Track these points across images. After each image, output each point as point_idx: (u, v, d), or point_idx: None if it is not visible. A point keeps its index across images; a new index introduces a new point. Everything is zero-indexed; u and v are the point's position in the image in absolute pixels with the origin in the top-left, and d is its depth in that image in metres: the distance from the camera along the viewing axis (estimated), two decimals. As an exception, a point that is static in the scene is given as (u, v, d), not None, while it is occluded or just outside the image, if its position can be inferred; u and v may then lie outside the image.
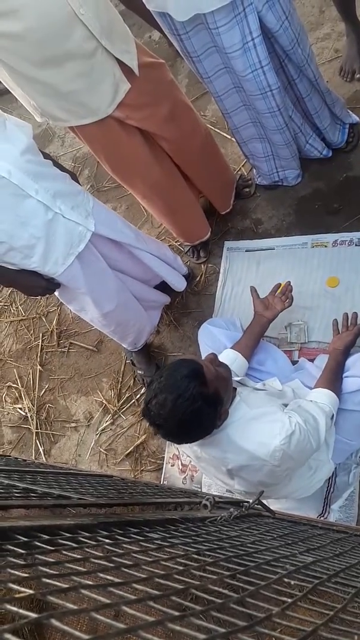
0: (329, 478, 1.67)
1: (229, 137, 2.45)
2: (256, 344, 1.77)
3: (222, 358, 1.55)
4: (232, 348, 1.71)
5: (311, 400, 1.47)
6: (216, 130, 2.50)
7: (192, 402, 1.15)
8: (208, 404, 1.18)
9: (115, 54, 1.47)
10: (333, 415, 1.48)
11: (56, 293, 1.76)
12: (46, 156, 1.62)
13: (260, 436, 1.26)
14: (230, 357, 1.66)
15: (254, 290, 1.84)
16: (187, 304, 2.32)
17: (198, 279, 2.32)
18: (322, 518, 1.67)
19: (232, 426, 1.28)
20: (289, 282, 1.83)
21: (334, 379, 1.56)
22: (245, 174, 2.37)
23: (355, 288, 1.95)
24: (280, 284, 1.84)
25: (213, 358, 1.28)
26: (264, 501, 0.94)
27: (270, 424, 1.28)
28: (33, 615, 0.30)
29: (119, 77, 1.53)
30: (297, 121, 1.93)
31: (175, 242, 2.39)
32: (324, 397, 1.48)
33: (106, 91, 1.53)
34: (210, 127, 2.45)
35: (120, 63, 1.51)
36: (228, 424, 1.29)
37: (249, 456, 1.26)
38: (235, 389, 1.39)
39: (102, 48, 1.44)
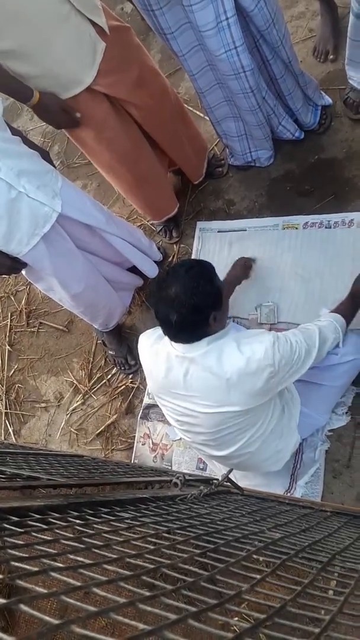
0: (295, 454, 1.72)
1: (202, 115, 2.41)
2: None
3: None
4: None
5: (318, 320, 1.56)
6: (189, 108, 2.45)
7: (204, 285, 1.26)
8: (212, 295, 1.28)
9: (86, 14, 1.46)
10: (339, 331, 1.53)
11: (23, 272, 1.72)
12: (15, 132, 1.57)
13: (255, 340, 1.34)
14: None
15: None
16: (159, 284, 2.31)
17: (170, 259, 2.31)
18: (288, 494, 1.72)
19: (229, 337, 1.35)
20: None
21: (347, 308, 1.63)
22: (218, 153, 2.35)
23: (325, 270, 1.98)
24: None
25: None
26: (233, 478, 0.96)
27: (262, 334, 1.38)
28: (2, 600, 0.29)
29: (94, 37, 1.51)
30: (270, 102, 1.92)
31: (148, 221, 2.36)
32: (329, 316, 1.56)
33: (86, 52, 1.51)
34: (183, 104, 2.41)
35: (92, 24, 1.50)
36: (225, 334, 1.35)
37: (247, 358, 1.30)
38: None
39: (74, 10, 1.43)
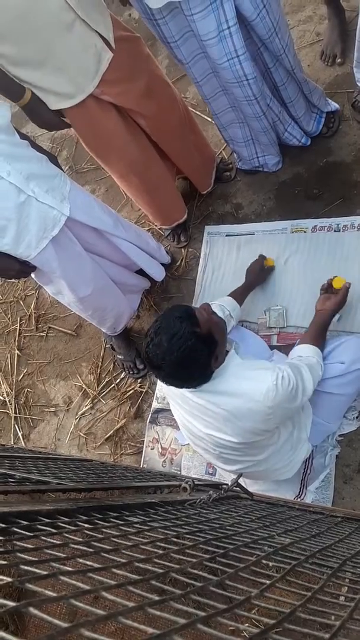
0: (306, 460, 1.71)
1: (209, 119, 2.42)
2: (243, 299, 1.92)
3: (223, 303, 1.78)
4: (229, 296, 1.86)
5: (297, 357, 1.54)
6: (197, 112, 2.46)
7: (185, 340, 1.20)
8: (202, 342, 1.24)
9: (92, 25, 1.46)
10: (321, 366, 1.53)
11: (33, 275, 1.73)
12: (23, 137, 1.58)
13: (255, 378, 1.32)
14: (231, 304, 1.79)
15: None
16: (168, 289, 2.31)
17: (178, 263, 2.31)
18: (298, 499, 1.70)
19: (228, 371, 1.33)
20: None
21: (318, 336, 1.62)
22: (226, 157, 2.36)
23: (334, 273, 1.96)
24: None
25: (206, 307, 1.33)
26: (242, 483, 0.95)
27: (264, 370, 1.35)
28: (11, 604, 0.29)
29: (100, 47, 1.51)
30: (275, 109, 1.91)
31: (155, 226, 2.37)
32: (308, 350, 1.55)
33: (89, 62, 1.51)
34: (191, 109, 2.41)
35: (99, 35, 1.50)
36: (224, 369, 1.33)
37: (245, 398, 1.29)
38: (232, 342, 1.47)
39: (79, 20, 1.42)
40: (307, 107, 1.99)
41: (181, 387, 1.33)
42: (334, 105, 2.09)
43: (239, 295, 1.88)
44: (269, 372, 1.32)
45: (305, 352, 1.55)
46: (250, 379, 1.30)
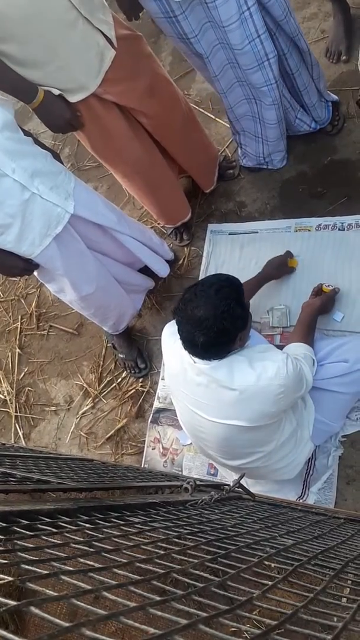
0: (309, 460, 1.70)
1: (213, 117, 2.41)
2: (252, 295, 1.86)
3: None
4: None
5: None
6: (200, 110, 2.46)
7: (231, 298, 1.23)
8: (242, 309, 1.26)
9: (94, 23, 1.46)
10: (314, 361, 1.54)
11: (35, 273, 1.73)
12: (26, 134, 1.58)
13: (267, 358, 1.33)
14: None
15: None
16: (170, 288, 2.30)
17: (181, 262, 2.31)
18: (301, 500, 1.70)
19: (240, 352, 1.33)
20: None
21: (306, 333, 1.63)
22: (230, 155, 2.35)
23: (337, 272, 1.96)
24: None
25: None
26: (244, 484, 0.95)
27: (274, 350, 1.38)
28: (12, 602, 0.29)
29: (103, 45, 1.51)
30: (287, 95, 1.92)
31: (158, 224, 2.37)
32: (298, 349, 1.55)
33: (92, 60, 1.51)
34: (195, 106, 2.41)
35: (102, 33, 1.50)
36: (236, 352, 1.33)
37: (257, 376, 1.28)
38: None
39: (82, 18, 1.43)
40: (318, 94, 2.01)
41: (198, 353, 1.28)
42: (333, 96, 2.11)
43: (251, 287, 1.83)
44: (279, 353, 1.35)
45: (295, 350, 1.55)
46: (261, 359, 1.31)
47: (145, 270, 2.10)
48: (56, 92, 1.54)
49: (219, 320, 1.21)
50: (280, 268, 1.95)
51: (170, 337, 1.44)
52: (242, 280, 1.88)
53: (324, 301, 1.75)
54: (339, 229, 2.02)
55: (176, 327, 1.36)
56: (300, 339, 1.59)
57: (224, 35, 1.61)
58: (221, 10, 1.52)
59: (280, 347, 1.89)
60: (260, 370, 1.28)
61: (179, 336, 1.31)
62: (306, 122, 2.06)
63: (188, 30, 1.60)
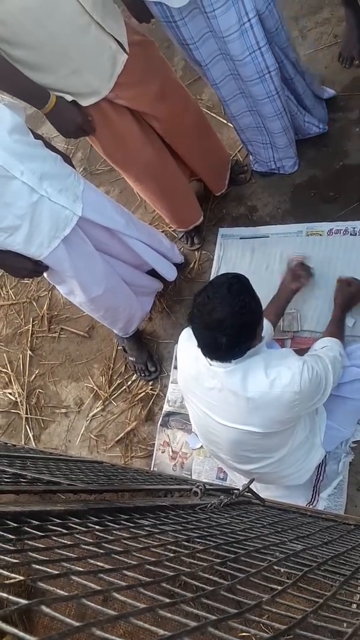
0: (319, 466, 1.69)
1: (224, 121, 2.42)
2: (281, 313, 1.85)
3: None
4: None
5: (320, 348, 1.55)
6: (212, 114, 2.47)
7: (245, 295, 1.22)
8: (256, 304, 1.25)
9: (106, 28, 1.47)
10: (344, 356, 1.55)
11: (45, 275, 1.74)
12: (37, 137, 1.59)
13: (283, 364, 1.31)
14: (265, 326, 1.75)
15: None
16: (180, 291, 2.31)
17: (192, 265, 2.31)
18: (311, 506, 1.69)
19: (257, 358, 1.31)
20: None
21: (337, 331, 1.67)
22: (241, 159, 2.35)
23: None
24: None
25: None
26: (254, 489, 0.95)
27: (291, 357, 1.35)
28: (23, 601, 0.29)
29: (115, 49, 1.52)
30: (293, 101, 1.94)
31: (169, 227, 2.37)
32: (330, 342, 1.56)
33: (104, 64, 1.52)
34: (207, 111, 2.42)
35: (114, 38, 1.51)
36: (255, 352, 1.31)
37: (272, 382, 1.27)
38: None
39: (94, 23, 1.44)
40: (313, 96, 2.03)
41: (220, 356, 1.26)
42: (330, 92, 2.13)
43: (278, 309, 1.83)
44: (296, 359, 1.32)
45: (327, 343, 1.56)
46: (277, 366, 1.29)
47: (154, 273, 2.10)
48: (69, 98, 1.56)
49: (237, 317, 1.20)
50: (295, 279, 1.88)
51: (188, 340, 1.43)
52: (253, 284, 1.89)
53: (350, 293, 1.81)
54: (350, 234, 2.01)
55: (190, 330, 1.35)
56: (332, 335, 1.63)
57: (224, 46, 1.62)
58: (221, 20, 1.52)
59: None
60: (274, 376, 1.27)
61: (196, 342, 1.29)
62: (314, 124, 2.07)
63: (187, 36, 1.61)
